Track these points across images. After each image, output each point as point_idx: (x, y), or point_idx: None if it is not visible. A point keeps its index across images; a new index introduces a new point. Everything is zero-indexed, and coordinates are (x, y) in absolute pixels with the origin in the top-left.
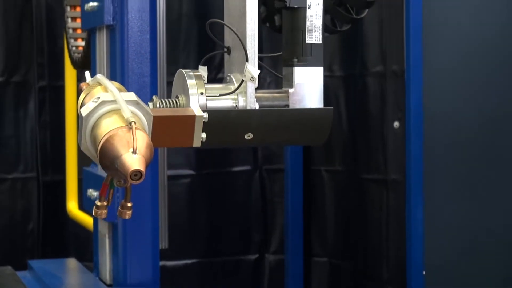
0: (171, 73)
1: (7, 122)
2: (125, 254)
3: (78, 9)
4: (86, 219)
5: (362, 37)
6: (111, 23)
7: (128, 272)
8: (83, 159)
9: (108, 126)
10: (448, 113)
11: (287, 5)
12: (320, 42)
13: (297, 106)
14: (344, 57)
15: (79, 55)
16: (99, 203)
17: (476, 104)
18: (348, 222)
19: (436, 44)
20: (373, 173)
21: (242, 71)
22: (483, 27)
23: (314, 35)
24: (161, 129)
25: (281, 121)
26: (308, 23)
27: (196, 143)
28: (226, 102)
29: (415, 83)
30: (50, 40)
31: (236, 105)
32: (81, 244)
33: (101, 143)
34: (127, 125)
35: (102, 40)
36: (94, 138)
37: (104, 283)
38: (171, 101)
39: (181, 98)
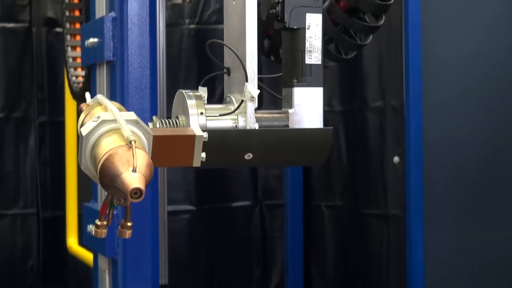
0: (171, 109)
1: (7, 158)
2: None
3: (78, 37)
4: (86, 255)
5: (362, 72)
6: (111, 59)
7: None
8: (83, 194)
9: (108, 145)
10: (448, 147)
11: (287, 26)
12: (320, 62)
13: (297, 126)
14: (344, 92)
15: (79, 86)
16: (99, 223)
17: (475, 137)
18: (348, 258)
19: (435, 78)
20: (373, 208)
21: (241, 91)
22: (482, 61)
23: (314, 55)
24: (161, 148)
25: (281, 141)
26: (307, 44)
27: (196, 163)
28: (226, 122)
29: (414, 118)
30: (50, 76)
31: (236, 125)
32: (81, 280)
33: (101, 162)
34: (127, 144)
35: (102, 76)
36: (94, 158)
37: None
38: (171, 121)
39: (181, 118)
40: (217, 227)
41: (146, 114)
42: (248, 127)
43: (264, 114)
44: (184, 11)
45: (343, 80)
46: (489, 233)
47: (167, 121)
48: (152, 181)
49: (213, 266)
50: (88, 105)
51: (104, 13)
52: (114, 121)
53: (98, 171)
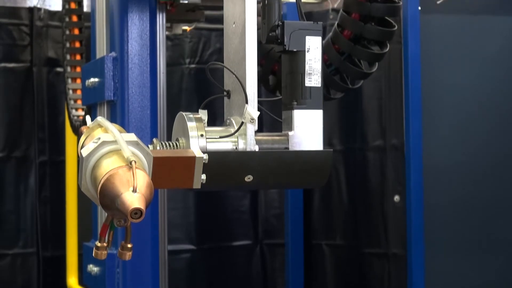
0: None
1: (8, 197)
2: None
3: (79, 69)
4: None
5: (362, 112)
6: (112, 98)
7: None
8: (83, 234)
9: (108, 166)
10: (448, 185)
11: (286, 49)
12: (319, 85)
13: (297, 149)
14: (344, 131)
15: (79, 120)
16: (99, 244)
17: (475, 175)
18: None
19: (434, 117)
20: (374, 247)
21: (241, 114)
22: (480, 97)
23: (313, 78)
24: (161, 170)
25: (281, 163)
26: (307, 66)
27: (196, 185)
28: (226, 145)
29: (414, 156)
30: (51, 116)
31: (236, 147)
32: None
33: (101, 183)
34: (127, 164)
35: (103, 115)
36: (94, 179)
37: None
38: (171, 144)
39: (181, 141)
40: (217, 266)
41: None
42: (248, 149)
43: (264, 136)
44: (184, 50)
45: (344, 119)
46: (490, 272)
47: (167, 143)
48: (152, 220)
49: None
50: (88, 127)
51: (105, 53)
52: (115, 142)
53: (98, 191)
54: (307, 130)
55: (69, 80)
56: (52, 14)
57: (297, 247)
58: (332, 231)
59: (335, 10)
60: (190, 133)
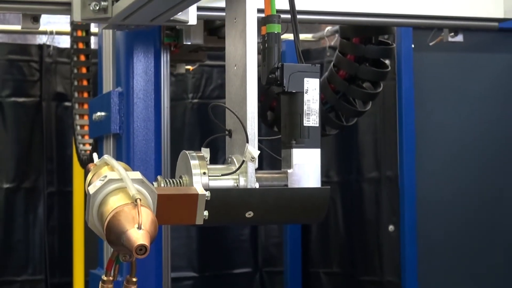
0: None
1: (17, 226)
2: None
3: (86, 106)
4: None
5: (357, 145)
6: (118, 131)
7: None
8: (90, 262)
9: (114, 203)
10: (441, 215)
11: (285, 90)
12: (317, 125)
13: (296, 186)
14: (340, 164)
15: (86, 154)
16: (105, 278)
17: (468, 205)
18: None
19: (427, 149)
20: (370, 275)
21: (242, 152)
22: (471, 131)
23: (311, 118)
24: (165, 206)
25: (280, 200)
26: (305, 107)
27: (199, 221)
28: (227, 182)
29: (408, 187)
30: (59, 148)
31: (237, 185)
32: None
33: (107, 219)
34: (132, 202)
35: (109, 148)
36: (101, 215)
37: None
38: (175, 181)
39: (185, 178)
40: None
41: None
42: (249, 186)
43: (264, 174)
44: (187, 86)
45: (340, 152)
46: None
47: (171, 181)
48: (156, 249)
49: None
50: (95, 165)
51: (111, 88)
52: (121, 180)
53: (104, 228)
54: (306, 168)
55: (77, 117)
56: (60, 50)
57: (296, 274)
58: (329, 259)
59: (332, 48)
60: (193, 171)
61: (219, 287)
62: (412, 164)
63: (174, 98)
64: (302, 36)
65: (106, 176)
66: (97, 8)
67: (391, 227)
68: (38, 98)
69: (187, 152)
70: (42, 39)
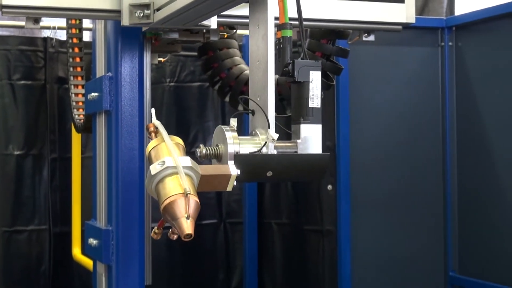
0: None
1: (26, 186)
2: None
3: (81, 87)
4: (88, 262)
5: None
6: (109, 109)
7: None
8: (85, 214)
9: (170, 190)
10: (370, 177)
11: (296, 80)
12: (319, 106)
13: (303, 152)
14: (289, 136)
15: (81, 122)
16: (157, 230)
17: (392, 169)
18: (293, 263)
19: (360, 123)
20: (312, 224)
21: (263, 127)
22: (398, 107)
23: (315, 101)
24: (206, 180)
25: (292, 162)
26: (310, 93)
27: (229, 189)
28: (254, 149)
29: (343, 155)
30: (60, 123)
31: (261, 151)
32: (83, 282)
33: (164, 204)
34: (183, 193)
35: (101, 122)
36: (158, 191)
37: None
38: (213, 148)
39: (221, 146)
40: (190, 240)
41: (135, 151)
42: (269, 153)
43: (280, 143)
44: (165, 72)
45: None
46: (403, 242)
47: (211, 148)
48: (140, 205)
49: (186, 270)
50: (153, 125)
51: (103, 73)
52: (175, 168)
53: (161, 209)
54: (310, 139)
55: (73, 96)
56: (62, 42)
57: (252, 225)
58: (279, 212)
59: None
60: (228, 141)
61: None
62: (347, 136)
63: (154, 82)
64: None
65: (164, 163)
66: (142, 15)
67: (329, 187)
68: (43, 81)
69: (222, 126)
70: (46, 33)
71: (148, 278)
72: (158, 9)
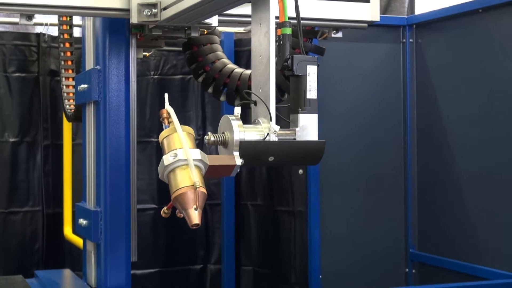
0: (139, 135)
1: (21, 170)
2: (106, 265)
3: (71, 80)
4: (78, 240)
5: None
6: (97, 99)
7: (108, 279)
8: (76, 196)
9: (181, 181)
10: (339, 164)
11: (294, 73)
12: (315, 97)
13: (301, 139)
14: None
15: (71, 111)
16: (166, 211)
17: (360, 158)
18: (267, 241)
19: (329, 116)
20: (284, 206)
21: (265, 116)
22: (362, 102)
23: (312, 93)
24: (214, 169)
25: (292, 148)
26: (308, 85)
27: (233, 175)
28: (257, 136)
29: None
30: (52, 112)
31: (263, 138)
32: (74, 259)
33: (175, 194)
34: (193, 186)
35: (90, 111)
36: (169, 180)
37: (91, 286)
38: (220, 135)
39: (227, 134)
40: (172, 220)
41: (122, 139)
42: (271, 140)
43: (280, 131)
44: (150, 65)
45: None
46: (368, 222)
47: (217, 135)
48: (126, 188)
49: (169, 248)
50: (166, 111)
51: (92, 66)
52: (186, 160)
53: (172, 197)
54: (308, 127)
55: (64, 87)
56: (53, 38)
57: (230, 206)
58: (254, 194)
59: None
60: (234, 129)
61: (173, 216)
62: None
63: (140, 74)
64: (235, 29)
65: (176, 155)
66: (149, 13)
67: (300, 171)
68: (36, 74)
69: (228, 116)
70: (39, 29)
71: (134, 255)
72: (164, 8)
